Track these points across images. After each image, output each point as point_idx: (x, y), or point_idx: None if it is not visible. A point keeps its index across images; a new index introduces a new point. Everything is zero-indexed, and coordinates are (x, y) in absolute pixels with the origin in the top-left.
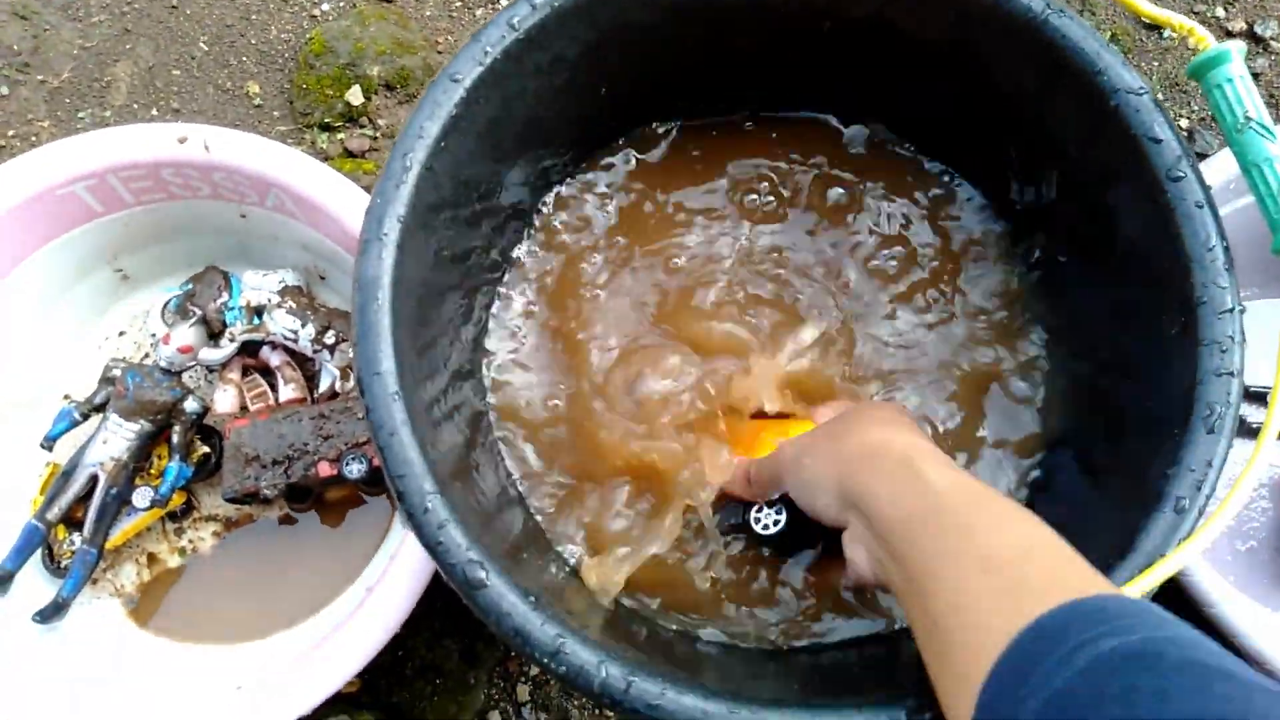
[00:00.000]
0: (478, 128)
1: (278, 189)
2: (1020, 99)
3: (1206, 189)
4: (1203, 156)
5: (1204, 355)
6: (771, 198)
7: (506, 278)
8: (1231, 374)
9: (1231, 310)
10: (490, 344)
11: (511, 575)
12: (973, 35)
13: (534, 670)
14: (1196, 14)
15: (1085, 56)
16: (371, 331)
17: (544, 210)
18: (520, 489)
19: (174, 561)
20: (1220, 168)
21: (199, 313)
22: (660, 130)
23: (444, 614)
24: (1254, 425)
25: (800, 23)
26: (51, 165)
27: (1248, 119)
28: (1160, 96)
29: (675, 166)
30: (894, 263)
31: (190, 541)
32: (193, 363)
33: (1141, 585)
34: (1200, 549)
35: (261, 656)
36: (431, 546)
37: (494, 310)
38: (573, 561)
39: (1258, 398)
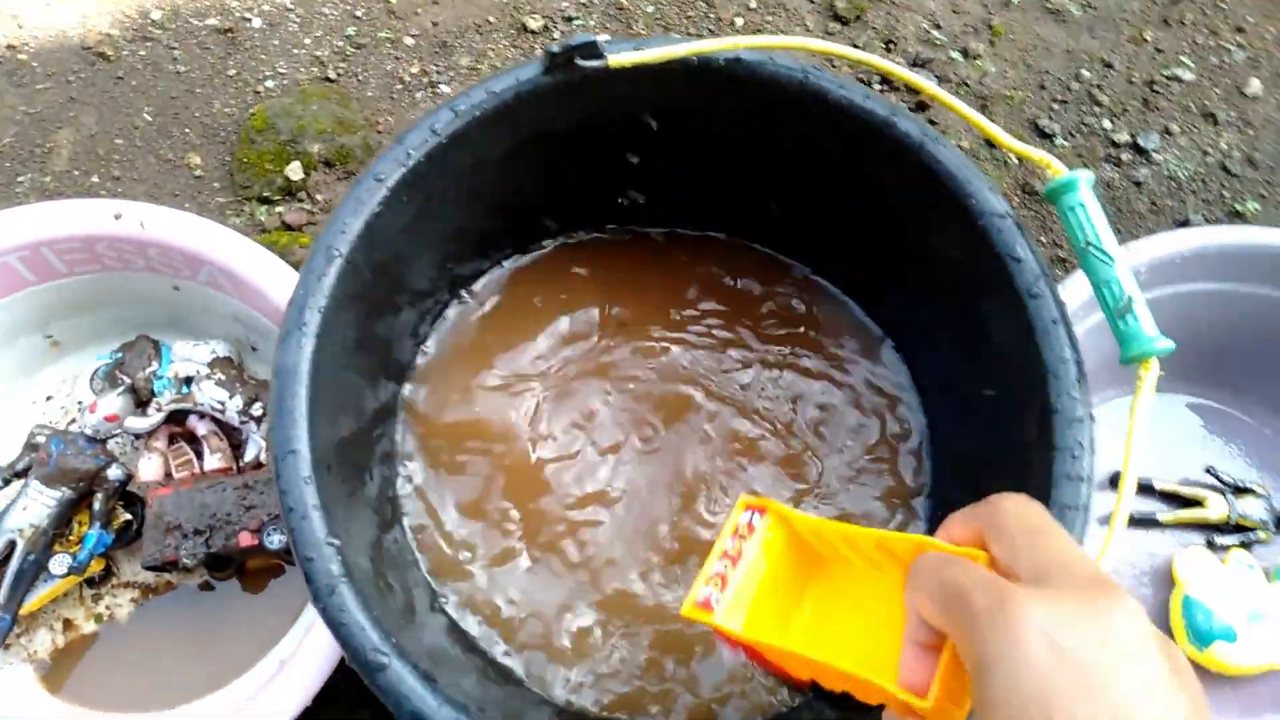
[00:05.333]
0: (400, 223)
1: (210, 265)
2: (905, 215)
3: (1062, 306)
4: None
5: (1057, 460)
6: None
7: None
8: (1082, 479)
9: (1081, 420)
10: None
11: (413, 659)
12: (866, 157)
13: None
14: (1086, 126)
15: (956, 182)
16: (288, 417)
17: (464, 301)
18: (431, 579)
19: (90, 628)
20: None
21: (128, 381)
22: (567, 240)
23: (359, 684)
24: (1136, 515)
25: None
26: None
27: (1087, 244)
28: (1039, 210)
29: (559, 276)
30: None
31: (108, 608)
32: (118, 430)
33: None
34: None
35: None
36: (335, 628)
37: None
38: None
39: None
